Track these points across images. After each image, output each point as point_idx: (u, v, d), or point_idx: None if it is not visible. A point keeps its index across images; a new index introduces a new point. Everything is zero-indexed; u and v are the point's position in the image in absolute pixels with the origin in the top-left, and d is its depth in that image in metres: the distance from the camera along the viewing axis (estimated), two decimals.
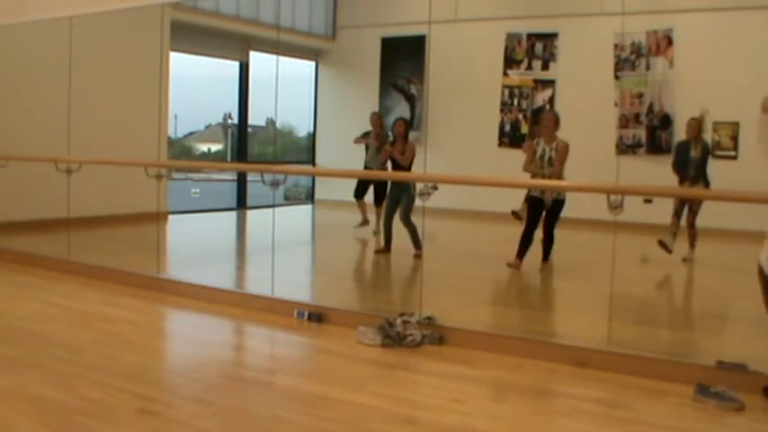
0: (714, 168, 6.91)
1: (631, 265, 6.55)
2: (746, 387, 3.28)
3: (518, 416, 3.13)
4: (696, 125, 6.82)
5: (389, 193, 6.98)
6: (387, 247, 6.91)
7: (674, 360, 3.64)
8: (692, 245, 6.73)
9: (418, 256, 6.51)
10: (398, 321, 4.13)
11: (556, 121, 6.25)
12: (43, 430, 2.76)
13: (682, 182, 6.70)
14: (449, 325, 4.15)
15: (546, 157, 6.15)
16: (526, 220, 6.33)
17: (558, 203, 6.12)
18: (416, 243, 6.59)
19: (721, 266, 6.73)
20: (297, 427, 2.88)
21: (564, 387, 3.47)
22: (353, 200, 8.29)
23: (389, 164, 7.13)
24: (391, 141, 7.05)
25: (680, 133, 9.28)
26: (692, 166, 6.68)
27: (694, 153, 6.71)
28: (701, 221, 6.70)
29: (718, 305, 5.53)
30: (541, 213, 6.17)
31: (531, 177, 6.19)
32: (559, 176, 6.08)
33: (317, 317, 4.54)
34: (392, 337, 4.03)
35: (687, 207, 6.66)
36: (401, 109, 11.25)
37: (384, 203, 7.15)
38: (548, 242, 6.24)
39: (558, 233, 6.23)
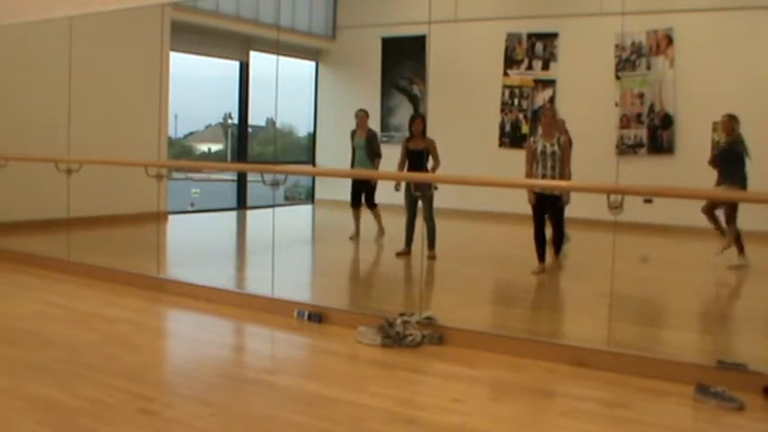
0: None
1: (631, 265, 6.54)
2: (746, 387, 3.28)
3: (518, 416, 3.13)
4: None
5: (407, 193, 6.74)
6: (408, 249, 6.80)
7: (674, 360, 3.63)
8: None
9: (431, 257, 6.49)
10: (398, 321, 4.13)
11: (552, 116, 6.14)
12: (43, 430, 2.76)
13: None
14: (449, 325, 4.15)
15: (548, 153, 5.97)
16: (533, 220, 6.27)
17: (557, 199, 6.00)
18: (432, 242, 6.52)
19: (722, 266, 6.72)
20: (297, 427, 2.88)
21: (564, 387, 3.47)
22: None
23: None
24: (408, 138, 6.88)
25: (681, 133, 9.31)
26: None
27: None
28: (701, 220, 6.68)
29: (719, 305, 5.53)
30: (544, 210, 6.08)
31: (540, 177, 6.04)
32: (563, 176, 5.92)
33: (317, 317, 4.53)
34: (392, 337, 4.03)
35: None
36: (405, 110, 11.24)
37: (405, 203, 6.84)
38: (557, 238, 6.19)
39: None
